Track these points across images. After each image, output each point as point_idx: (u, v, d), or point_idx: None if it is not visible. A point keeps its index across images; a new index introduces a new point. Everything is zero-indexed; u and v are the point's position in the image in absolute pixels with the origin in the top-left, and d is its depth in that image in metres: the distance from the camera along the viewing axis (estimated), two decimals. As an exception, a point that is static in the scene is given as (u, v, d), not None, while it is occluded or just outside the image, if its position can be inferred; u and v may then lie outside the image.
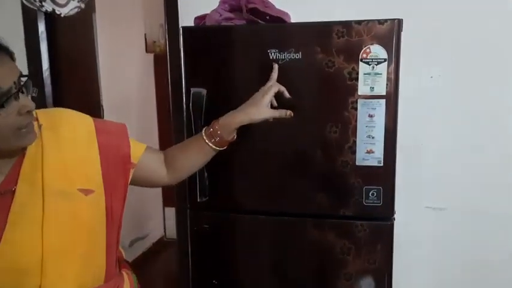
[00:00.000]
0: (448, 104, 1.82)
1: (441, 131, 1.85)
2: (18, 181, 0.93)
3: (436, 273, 1.96)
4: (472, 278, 1.92)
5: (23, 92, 0.90)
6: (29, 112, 0.90)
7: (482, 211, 1.87)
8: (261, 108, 1.21)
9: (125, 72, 3.38)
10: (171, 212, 3.90)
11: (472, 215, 1.89)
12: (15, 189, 0.93)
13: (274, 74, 1.31)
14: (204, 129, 1.21)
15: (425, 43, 1.76)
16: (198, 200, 1.52)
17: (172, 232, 3.93)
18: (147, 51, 3.71)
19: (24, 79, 0.91)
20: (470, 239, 1.90)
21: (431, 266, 1.96)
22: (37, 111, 0.99)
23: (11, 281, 0.92)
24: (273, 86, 1.26)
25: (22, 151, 0.96)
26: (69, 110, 1.09)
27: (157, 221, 3.90)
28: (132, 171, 1.12)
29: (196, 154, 1.21)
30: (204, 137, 1.18)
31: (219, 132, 1.18)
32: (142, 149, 1.16)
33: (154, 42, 3.76)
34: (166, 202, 3.93)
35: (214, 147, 1.19)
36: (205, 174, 1.50)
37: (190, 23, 1.67)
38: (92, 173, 1.02)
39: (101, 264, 1.05)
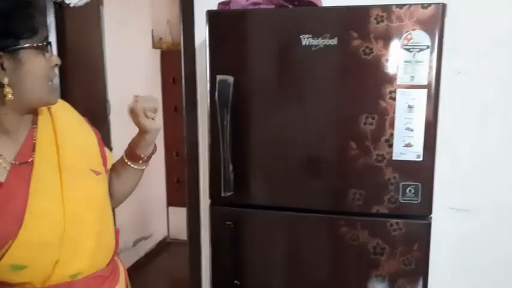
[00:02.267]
0: (475, 101, 1.75)
1: (466, 129, 1.78)
2: (35, 154, 0.95)
3: (458, 276, 1.88)
4: (495, 280, 1.85)
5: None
6: (57, 67, 0.95)
7: (507, 213, 1.79)
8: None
9: (132, 67, 3.31)
10: (174, 211, 3.83)
11: (497, 217, 1.81)
12: (31, 160, 0.94)
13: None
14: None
15: (455, 36, 1.68)
16: (222, 195, 1.42)
17: (175, 232, 3.85)
18: (153, 47, 3.65)
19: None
20: (494, 241, 1.83)
21: (453, 267, 1.88)
22: None
23: (31, 254, 0.91)
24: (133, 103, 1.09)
25: (32, 124, 0.99)
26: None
27: (161, 220, 3.82)
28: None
29: (126, 178, 1.17)
30: (125, 159, 1.15)
31: (131, 149, 1.14)
32: (111, 162, 1.18)
33: (161, 38, 3.71)
34: (170, 202, 3.86)
35: (135, 167, 1.14)
36: (231, 167, 1.41)
37: (203, 14, 1.55)
38: (98, 158, 1.08)
39: (111, 245, 1.08)
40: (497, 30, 1.69)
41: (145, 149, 1.12)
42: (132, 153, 1.13)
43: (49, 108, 1.01)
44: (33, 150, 0.95)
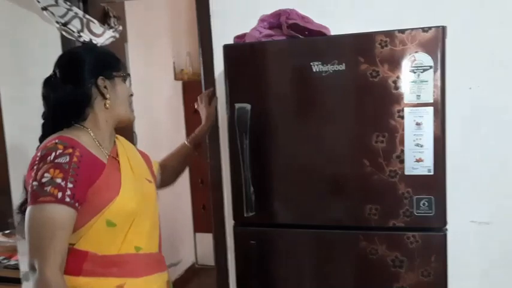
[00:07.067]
0: (488, 117, 1.79)
1: (481, 144, 1.81)
2: (119, 157, 1.33)
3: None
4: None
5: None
6: (132, 96, 1.39)
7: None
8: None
9: (156, 99, 3.45)
10: (201, 238, 3.90)
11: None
12: (118, 159, 1.33)
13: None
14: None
15: (465, 54, 1.75)
16: (245, 215, 1.51)
17: (203, 258, 3.92)
18: (175, 78, 3.80)
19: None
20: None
21: (477, 280, 1.88)
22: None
23: (120, 216, 1.24)
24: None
25: (114, 145, 1.37)
26: None
27: (189, 247, 3.90)
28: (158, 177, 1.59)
29: (178, 156, 1.70)
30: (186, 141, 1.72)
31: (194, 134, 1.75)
32: (157, 165, 1.61)
33: (182, 70, 3.86)
34: (197, 228, 3.93)
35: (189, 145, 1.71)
36: (252, 188, 1.50)
37: (221, 46, 1.65)
38: (149, 171, 1.46)
39: (157, 237, 1.39)
40: (502, 44, 1.75)
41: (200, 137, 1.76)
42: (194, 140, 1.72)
43: (118, 138, 1.41)
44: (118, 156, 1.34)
